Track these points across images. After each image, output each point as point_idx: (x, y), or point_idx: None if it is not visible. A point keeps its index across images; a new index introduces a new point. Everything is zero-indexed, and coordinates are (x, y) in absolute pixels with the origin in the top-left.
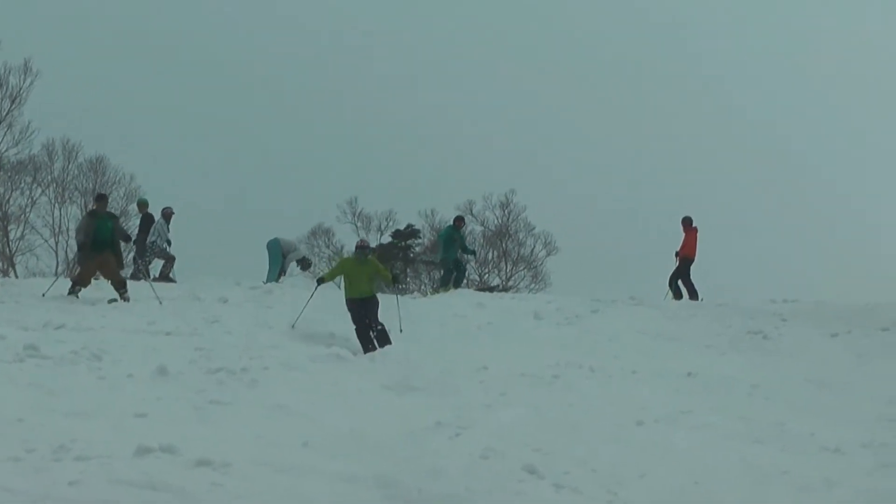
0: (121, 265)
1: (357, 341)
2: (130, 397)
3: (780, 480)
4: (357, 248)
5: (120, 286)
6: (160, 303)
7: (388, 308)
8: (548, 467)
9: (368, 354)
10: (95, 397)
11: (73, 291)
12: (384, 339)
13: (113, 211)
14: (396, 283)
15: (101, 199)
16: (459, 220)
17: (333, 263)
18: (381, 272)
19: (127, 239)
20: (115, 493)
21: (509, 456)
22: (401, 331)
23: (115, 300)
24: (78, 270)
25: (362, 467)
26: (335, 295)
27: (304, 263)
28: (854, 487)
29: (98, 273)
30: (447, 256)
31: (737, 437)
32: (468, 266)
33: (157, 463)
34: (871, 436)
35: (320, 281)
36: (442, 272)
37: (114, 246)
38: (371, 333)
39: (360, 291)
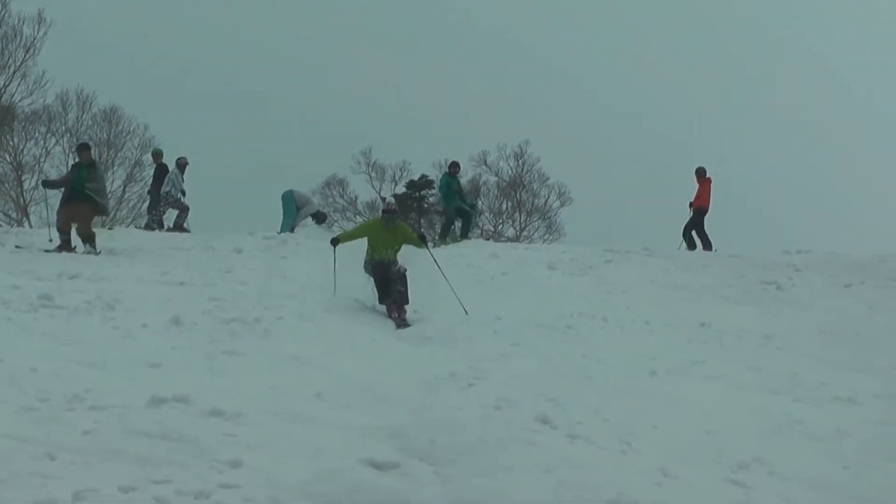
0: (98, 213)
1: (378, 303)
2: (144, 347)
3: (793, 430)
4: (384, 212)
5: (86, 239)
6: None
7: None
8: (561, 417)
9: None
10: (109, 347)
11: (65, 246)
12: (402, 297)
13: (128, 161)
14: (424, 241)
15: (82, 148)
16: (454, 167)
17: (349, 217)
18: (412, 239)
19: (97, 189)
20: (128, 442)
21: (522, 406)
22: (466, 312)
23: (89, 252)
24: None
25: (375, 418)
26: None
27: (319, 217)
28: (866, 437)
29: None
30: (449, 205)
31: (749, 387)
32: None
33: (171, 413)
34: (883, 386)
35: (335, 241)
36: (443, 223)
37: (86, 196)
38: (389, 284)
39: (383, 258)
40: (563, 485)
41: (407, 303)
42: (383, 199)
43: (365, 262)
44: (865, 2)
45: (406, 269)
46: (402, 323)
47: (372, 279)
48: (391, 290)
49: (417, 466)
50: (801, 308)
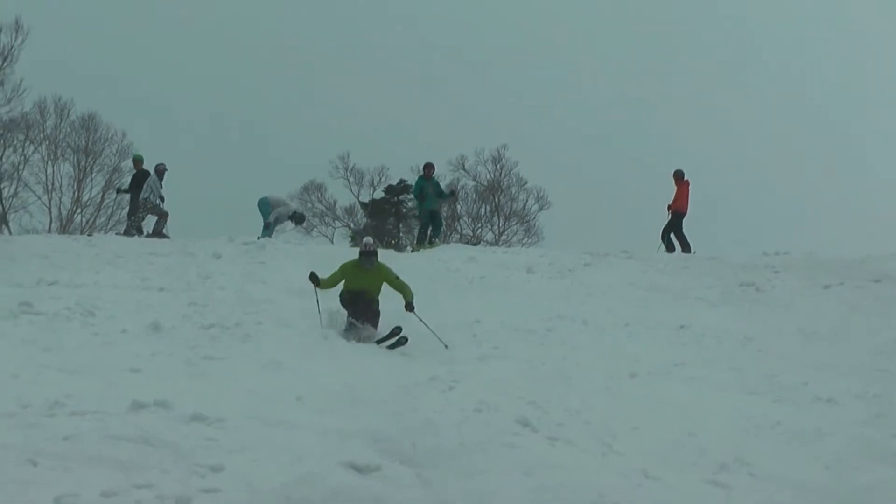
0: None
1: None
2: (124, 353)
3: (773, 431)
4: (361, 253)
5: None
6: None
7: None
8: (541, 420)
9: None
10: (89, 353)
11: None
12: (372, 318)
13: (106, 168)
14: (410, 307)
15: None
16: (428, 168)
17: (328, 222)
18: (395, 284)
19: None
20: (109, 447)
21: (503, 409)
22: (446, 347)
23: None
24: None
25: (356, 422)
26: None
27: (298, 218)
28: (846, 437)
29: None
30: (423, 207)
31: (729, 388)
32: (452, 214)
33: (152, 418)
34: (863, 386)
35: (315, 280)
36: (419, 227)
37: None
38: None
39: (359, 287)
40: (544, 487)
41: (375, 327)
42: (363, 204)
43: (341, 294)
44: (835, 9)
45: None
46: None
47: (343, 308)
48: (358, 313)
49: (398, 469)
50: (780, 309)
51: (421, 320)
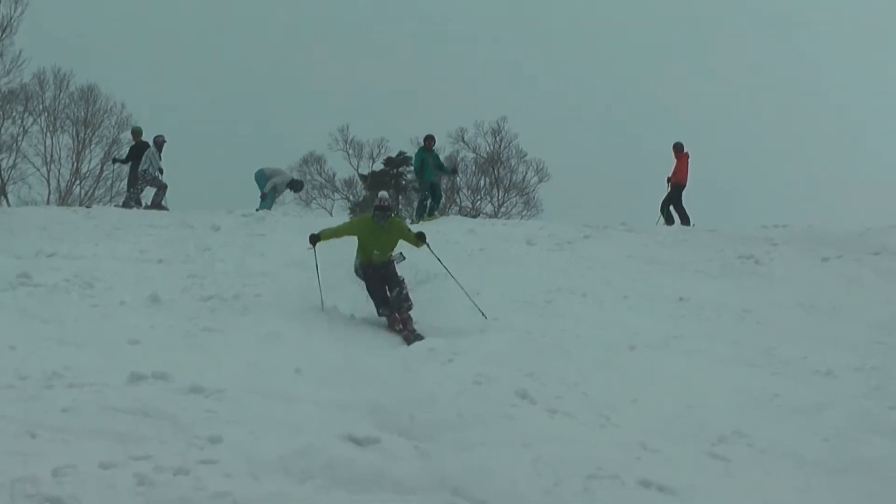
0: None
1: (376, 312)
2: (123, 325)
3: (772, 404)
4: (376, 208)
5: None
6: None
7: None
8: (540, 392)
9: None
10: (88, 325)
11: None
12: (401, 301)
13: (105, 139)
14: (423, 239)
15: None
16: (429, 140)
17: (327, 194)
18: (409, 238)
19: None
20: (107, 419)
21: (502, 381)
22: (485, 317)
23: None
24: None
25: (355, 394)
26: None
27: (296, 185)
28: (845, 410)
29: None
30: (424, 179)
31: (728, 361)
32: (452, 187)
33: (150, 390)
34: (862, 359)
35: (314, 238)
36: (418, 200)
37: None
38: (386, 291)
39: (375, 260)
40: (542, 459)
41: (410, 307)
42: (362, 176)
43: (356, 265)
44: None
45: (402, 259)
46: (411, 336)
47: (365, 285)
48: (388, 297)
49: (396, 442)
50: (778, 282)
51: (435, 256)
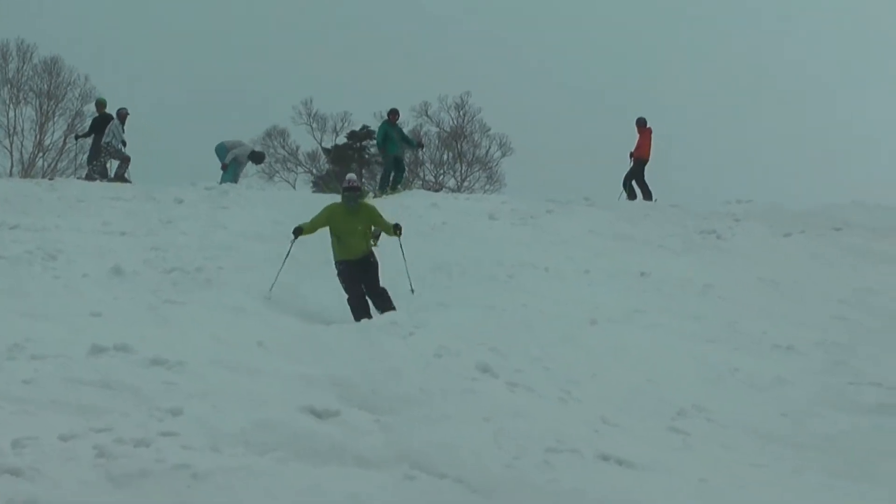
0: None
1: (350, 312)
2: (85, 297)
3: (733, 378)
4: (345, 190)
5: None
6: None
7: (391, 260)
8: (501, 366)
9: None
10: (50, 297)
11: None
12: (385, 303)
13: (69, 112)
14: (399, 232)
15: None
16: (393, 114)
17: (290, 168)
18: (381, 223)
19: None
20: (69, 391)
21: (463, 355)
22: (412, 291)
23: None
24: None
25: (317, 367)
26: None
27: (257, 157)
28: (804, 385)
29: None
30: (387, 153)
31: (690, 336)
32: (415, 161)
33: (112, 362)
34: (823, 335)
35: (297, 231)
36: (381, 173)
37: None
38: (367, 300)
39: (353, 251)
40: (504, 433)
41: (392, 308)
42: (326, 150)
43: (335, 263)
44: None
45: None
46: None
47: (343, 287)
48: (367, 303)
49: (358, 415)
50: (741, 257)
51: (402, 250)
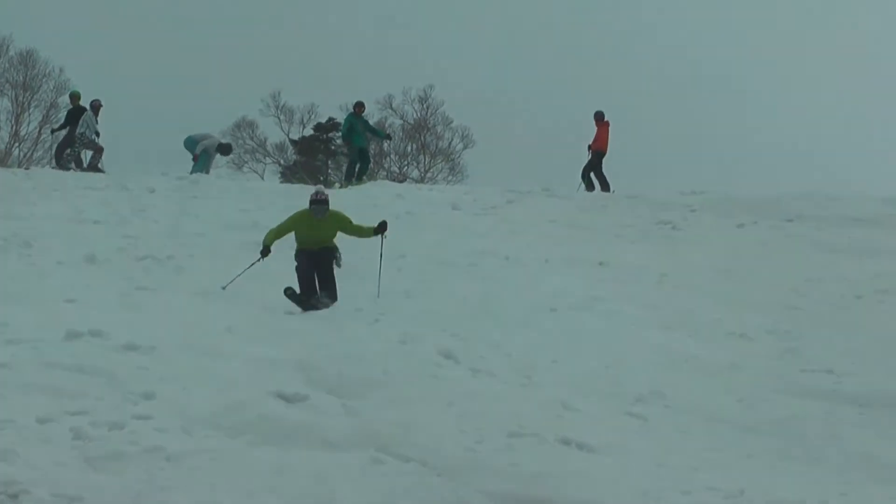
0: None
1: (293, 300)
2: (60, 283)
3: (688, 365)
4: (312, 202)
5: None
6: None
7: (365, 263)
8: (464, 352)
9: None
10: (26, 283)
11: None
12: (329, 290)
13: (44, 103)
14: (384, 229)
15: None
16: (358, 107)
17: (259, 158)
18: (352, 229)
19: None
20: (45, 375)
21: (427, 341)
22: (378, 296)
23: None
24: None
25: (284, 352)
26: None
27: (224, 149)
28: (758, 371)
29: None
30: (353, 145)
31: (646, 323)
32: (380, 152)
33: (86, 347)
34: (775, 322)
35: (265, 250)
36: (347, 164)
37: None
38: (315, 278)
39: (312, 246)
40: (466, 417)
41: (328, 305)
42: (293, 141)
43: (295, 254)
44: None
45: (338, 254)
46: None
47: (295, 265)
48: (314, 285)
49: (325, 399)
50: (695, 247)
51: (381, 253)
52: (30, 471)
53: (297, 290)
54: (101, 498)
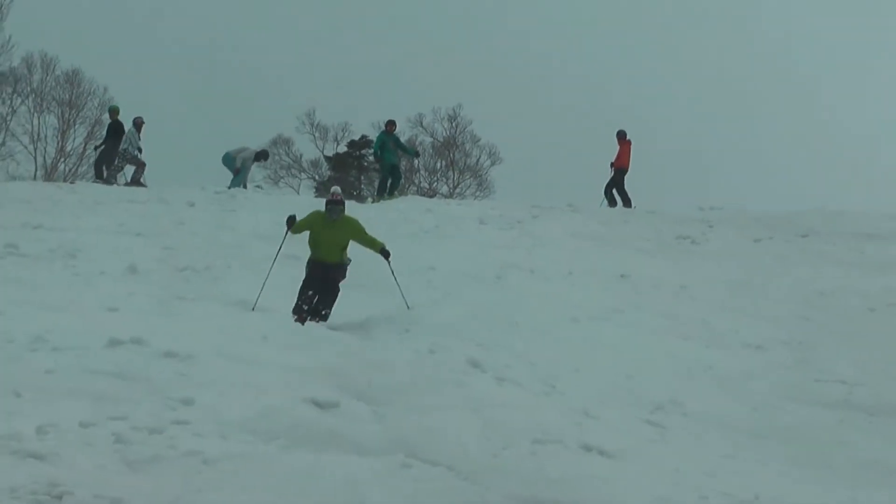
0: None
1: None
2: (103, 293)
3: (705, 374)
4: (328, 203)
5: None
6: None
7: (382, 275)
8: (490, 361)
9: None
10: (70, 292)
11: None
12: (325, 307)
13: (88, 120)
14: (387, 256)
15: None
16: (390, 125)
17: (294, 174)
18: (364, 239)
19: None
20: (87, 381)
21: (454, 350)
22: (408, 307)
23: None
24: None
25: (317, 360)
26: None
27: (261, 156)
28: (772, 380)
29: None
30: (384, 162)
31: (665, 334)
32: (411, 168)
33: (127, 354)
34: (789, 334)
35: (291, 221)
36: (379, 180)
37: None
38: (306, 307)
39: (324, 256)
40: (491, 424)
41: (325, 319)
42: (327, 158)
43: (306, 263)
44: None
45: (349, 262)
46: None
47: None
48: (312, 300)
49: (356, 405)
50: (713, 261)
51: (392, 273)
52: (73, 473)
53: (297, 301)
54: (141, 499)
